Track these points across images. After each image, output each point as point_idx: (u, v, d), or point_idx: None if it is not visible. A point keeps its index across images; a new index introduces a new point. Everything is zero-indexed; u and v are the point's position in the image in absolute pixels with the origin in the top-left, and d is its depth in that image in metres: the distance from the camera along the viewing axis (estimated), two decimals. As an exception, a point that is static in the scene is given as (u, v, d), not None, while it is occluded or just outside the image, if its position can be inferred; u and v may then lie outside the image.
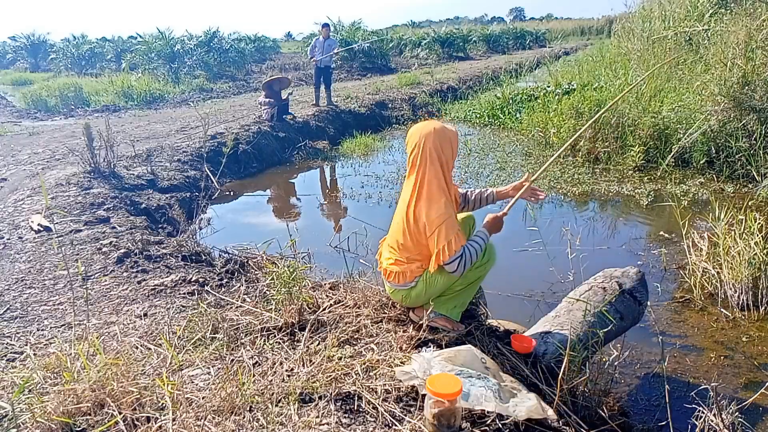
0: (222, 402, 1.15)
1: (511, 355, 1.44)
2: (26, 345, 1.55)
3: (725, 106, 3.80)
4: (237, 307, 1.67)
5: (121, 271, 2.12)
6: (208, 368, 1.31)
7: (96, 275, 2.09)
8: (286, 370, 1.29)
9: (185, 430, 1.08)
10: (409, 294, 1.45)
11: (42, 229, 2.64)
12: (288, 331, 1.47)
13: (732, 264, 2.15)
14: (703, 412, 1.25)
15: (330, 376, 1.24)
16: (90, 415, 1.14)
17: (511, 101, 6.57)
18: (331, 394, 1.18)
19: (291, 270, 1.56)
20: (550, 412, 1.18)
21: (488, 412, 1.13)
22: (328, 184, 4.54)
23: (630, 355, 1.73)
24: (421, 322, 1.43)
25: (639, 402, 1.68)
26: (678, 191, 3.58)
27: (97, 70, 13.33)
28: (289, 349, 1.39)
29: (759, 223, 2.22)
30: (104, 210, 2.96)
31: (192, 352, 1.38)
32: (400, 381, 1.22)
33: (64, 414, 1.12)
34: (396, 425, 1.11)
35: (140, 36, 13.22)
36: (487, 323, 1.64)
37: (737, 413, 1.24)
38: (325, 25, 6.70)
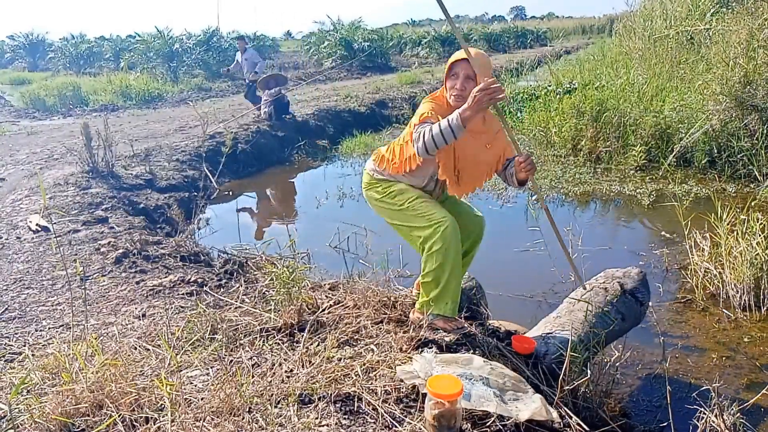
0: (221, 403, 1.14)
1: (512, 356, 1.43)
2: (24, 345, 1.54)
3: (727, 105, 3.79)
4: (236, 308, 1.66)
5: (119, 271, 2.11)
6: (207, 369, 1.30)
7: (94, 275, 2.08)
8: (286, 371, 1.28)
9: (184, 431, 1.07)
10: (374, 189, 1.47)
11: (40, 229, 2.63)
12: (287, 332, 1.46)
13: (734, 264, 2.14)
14: (705, 413, 1.25)
15: (330, 377, 1.23)
16: (88, 415, 1.13)
17: (512, 100, 6.55)
18: (330, 395, 1.17)
19: (290, 270, 1.55)
20: (555, 415, 1.17)
21: (490, 413, 1.13)
22: (328, 183, 4.53)
23: (631, 355, 1.73)
24: (421, 323, 1.42)
25: (640, 403, 1.67)
26: (680, 191, 3.56)
27: (95, 70, 13.32)
28: (289, 350, 1.38)
29: (761, 223, 2.21)
30: (102, 210, 2.95)
31: (191, 353, 1.37)
32: (402, 381, 1.21)
33: (63, 415, 1.11)
34: (396, 426, 1.10)
35: (139, 35, 13.20)
36: (488, 324, 1.63)
37: (739, 414, 1.24)
38: (240, 38, 6.43)
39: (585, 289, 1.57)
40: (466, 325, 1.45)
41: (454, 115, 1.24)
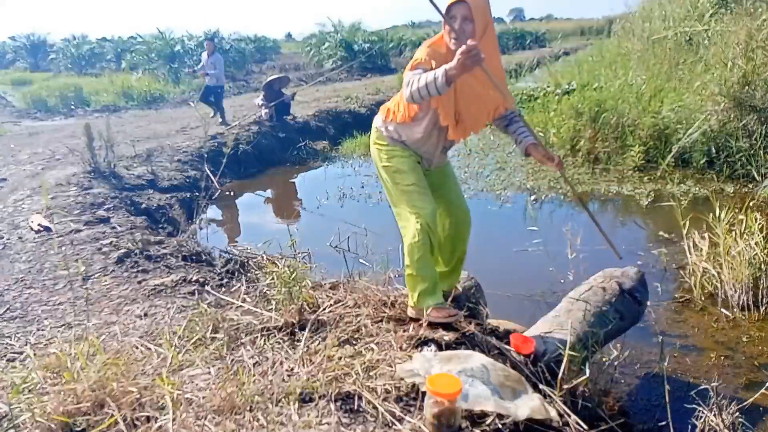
0: (222, 402, 1.15)
1: (511, 355, 1.44)
2: (26, 345, 1.55)
3: (725, 106, 3.81)
4: (237, 307, 1.67)
5: (121, 271, 2.12)
6: (209, 368, 1.31)
7: (96, 275, 2.09)
8: (287, 370, 1.29)
9: (185, 429, 1.08)
10: (380, 151, 1.48)
11: (42, 229, 2.64)
12: (288, 330, 1.47)
13: (732, 264, 2.15)
14: (704, 412, 1.25)
15: (330, 375, 1.24)
16: (90, 414, 1.14)
17: (510, 101, 6.53)
18: (331, 393, 1.18)
19: (291, 270, 1.56)
20: (553, 413, 1.17)
21: (489, 411, 1.13)
22: (329, 184, 4.54)
23: (630, 355, 1.73)
24: (420, 321, 1.43)
25: (639, 402, 1.68)
26: (678, 191, 3.57)
27: (97, 71, 13.37)
28: (290, 349, 1.38)
29: (759, 223, 2.22)
30: (104, 210, 2.96)
31: (192, 352, 1.38)
32: (402, 379, 1.22)
33: (64, 414, 1.12)
34: (396, 425, 1.11)
35: (140, 36, 13.25)
36: (486, 323, 1.64)
37: (737, 413, 1.25)
38: (209, 39, 6.00)
39: (620, 258, 1.55)
40: (458, 312, 1.45)
41: (440, 71, 1.26)
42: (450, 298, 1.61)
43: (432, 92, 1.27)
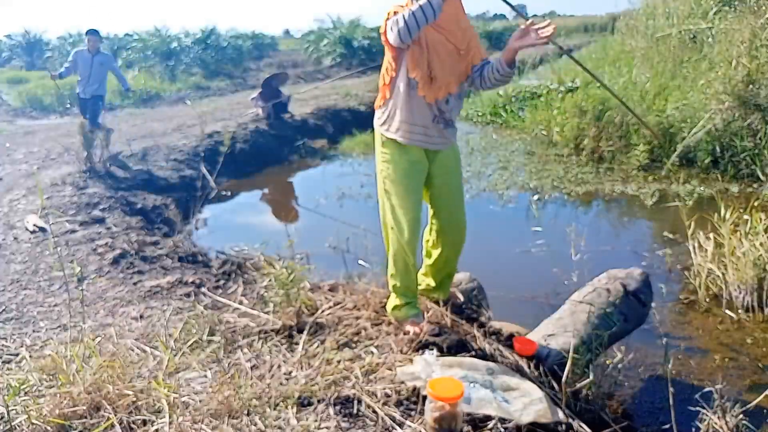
0: (219, 405, 1.13)
1: (514, 357, 1.42)
2: (22, 347, 1.53)
3: (730, 104, 3.77)
4: (234, 309, 1.65)
5: (116, 272, 2.10)
6: (205, 371, 1.29)
7: (91, 276, 2.07)
8: (285, 374, 1.27)
9: (181, 434, 1.06)
10: (379, 148, 1.47)
11: (37, 229, 2.61)
12: (286, 333, 1.45)
13: (737, 265, 2.13)
14: (708, 415, 1.23)
15: (329, 379, 1.22)
16: (86, 417, 1.12)
17: (513, 99, 6.52)
18: (329, 397, 1.16)
19: (289, 271, 1.54)
20: (561, 415, 1.15)
21: (492, 415, 1.11)
22: (327, 183, 4.51)
23: (634, 357, 1.70)
24: (418, 329, 1.41)
25: (643, 404, 1.66)
26: (683, 191, 3.54)
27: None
28: (288, 352, 1.37)
29: (764, 223, 2.20)
30: (100, 210, 2.95)
31: (188, 355, 1.36)
32: (402, 382, 1.20)
33: (60, 417, 1.10)
34: (396, 429, 1.09)
35: (136, 34, 13.18)
36: (489, 325, 1.62)
37: (741, 416, 1.22)
38: (92, 33, 3.85)
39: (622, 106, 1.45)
40: (433, 328, 1.40)
41: None
42: (448, 305, 1.59)
43: (428, 13, 1.19)
